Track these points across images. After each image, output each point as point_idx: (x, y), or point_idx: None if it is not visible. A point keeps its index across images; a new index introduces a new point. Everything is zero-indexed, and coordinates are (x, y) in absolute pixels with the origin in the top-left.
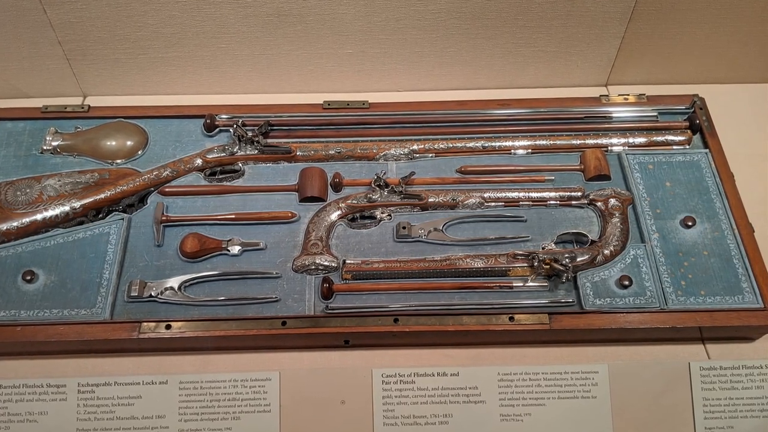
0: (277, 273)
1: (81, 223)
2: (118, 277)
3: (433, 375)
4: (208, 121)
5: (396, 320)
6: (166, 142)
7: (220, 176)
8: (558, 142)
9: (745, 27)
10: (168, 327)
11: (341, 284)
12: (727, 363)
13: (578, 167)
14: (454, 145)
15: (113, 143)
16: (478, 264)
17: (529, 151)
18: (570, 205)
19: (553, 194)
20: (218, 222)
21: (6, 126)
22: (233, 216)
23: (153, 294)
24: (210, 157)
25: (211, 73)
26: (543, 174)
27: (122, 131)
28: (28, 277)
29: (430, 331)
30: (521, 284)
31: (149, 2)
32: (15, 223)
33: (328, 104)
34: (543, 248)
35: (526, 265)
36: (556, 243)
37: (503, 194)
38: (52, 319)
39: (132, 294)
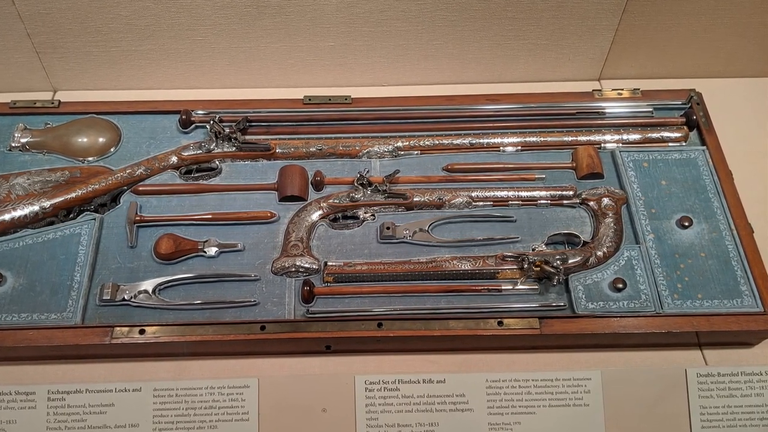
0: (255, 275)
1: (51, 223)
2: (89, 279)
3: (419, 382)
4: (183, 116)
5: (380, 325)
6: (139, 138)
7: (197, 174)
8: (549, 138)
9: (743, 19)
10: (142, 332)
11: (322, 287)
12: (726, 369)
13: (570, 165)
14: (441, 142)
15: (84, 140)
16: (466, 266)
17: (519, 148)
18: (561, 205)
19: (543, 193)
20: (194, 222)
21: None
22: (210, 216)
23: (126, 297)
24: (186, 154)
25: (186, 67)
26: (533, 172)
27: (94, 127)
28: None
29: (416, 336)
30: (510, 287)
31: None
32: None
33: (309, 99)
34: (533, 250)
35: (515, 267)
36: (546, 244)
37: (492, 193)
38: (20, 323)
39: (104, 297)
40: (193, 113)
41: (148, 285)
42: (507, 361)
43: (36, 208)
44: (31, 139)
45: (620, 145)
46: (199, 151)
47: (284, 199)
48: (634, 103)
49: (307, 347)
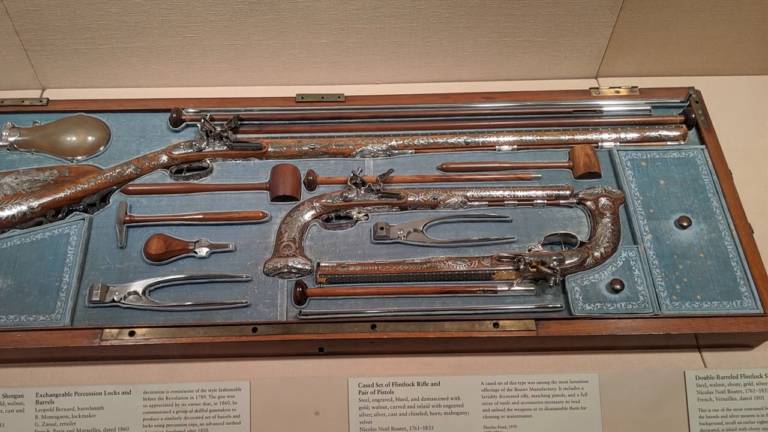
0: (247, 276)
1: (39, 223)
2: (78, 280)
3: (413, 384)
4: (174, 115)
5: (373, 326)
6: (129, 137)
7: (187, 174)
8: (545, 137)
9: (743, 16)
10: (131, 334)
11: (315, 288)
12: (725, 372)
13: (567, 164)
14: (435, 140)
15: (73, 139)
16: (461, 267)
17: (515, 147)
18: (558, 205)
19: (540, 193)
20: (185, 222)
21: None
22: (201, 216)
23: (116, 299)
24: (176, 153)
25: (177, 65)
26: (529, 171)
27: (83, 126)
28: None
29: (410, 338)
30: (506, 288)
31: None
32: None
33: (302, 97)
34: (529, 250)
35: (511, 268)
36: (543, 245)
37: (487, 193)
38: (8, 325)
39: (93, 299)
40: (183, 111)
41: (138, 286)
42: (503, 364)
43: (24, 207)
44: (19, 138)
45: (618, 143)
46: (189, 150)
47: (276, 198)
48: (631, 102)
49: (300, 349)
